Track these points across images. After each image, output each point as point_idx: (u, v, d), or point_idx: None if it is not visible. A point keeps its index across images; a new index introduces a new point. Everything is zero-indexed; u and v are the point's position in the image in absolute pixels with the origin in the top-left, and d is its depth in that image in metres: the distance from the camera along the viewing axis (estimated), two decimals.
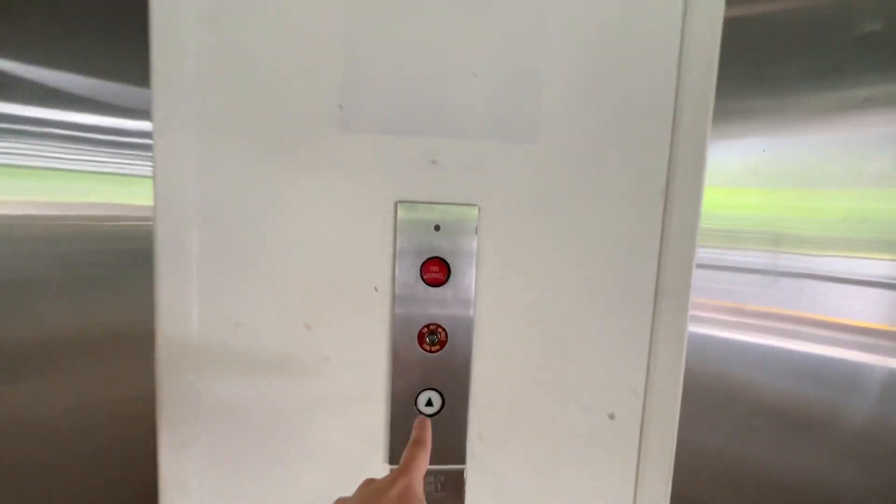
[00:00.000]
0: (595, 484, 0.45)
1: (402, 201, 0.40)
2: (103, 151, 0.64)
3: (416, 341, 0.41)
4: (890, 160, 0.71)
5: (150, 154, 0.38)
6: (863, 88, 0.70)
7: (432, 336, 0.41)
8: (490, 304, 0.41)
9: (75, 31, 0.61)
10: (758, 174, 0.75)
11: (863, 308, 0.79)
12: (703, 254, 0.74)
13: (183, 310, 0.39)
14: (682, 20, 0.39)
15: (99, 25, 0.62)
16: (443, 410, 0.42)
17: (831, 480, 0.83)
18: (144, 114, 0.56)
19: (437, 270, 0.40)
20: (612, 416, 0.44)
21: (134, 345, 0.64)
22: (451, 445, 0.43)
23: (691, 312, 0.42)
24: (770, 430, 0.83)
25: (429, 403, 0.42)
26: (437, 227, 0.40)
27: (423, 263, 0.40)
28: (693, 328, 0.73)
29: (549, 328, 0.42)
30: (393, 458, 0.43)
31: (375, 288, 0.40)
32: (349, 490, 0.31)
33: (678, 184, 0.40)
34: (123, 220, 0.68)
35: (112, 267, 0.68)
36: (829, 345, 0.79)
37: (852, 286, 0.82)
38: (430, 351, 0.41)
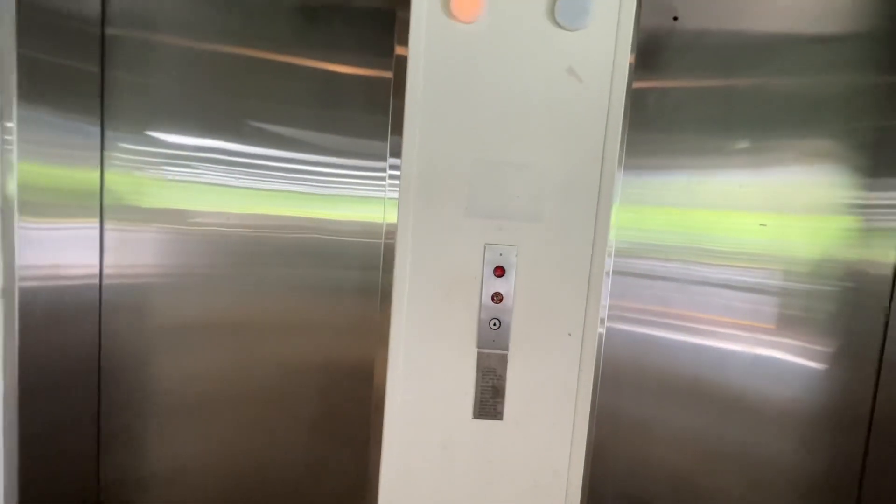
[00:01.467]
0: (563, 372, 1.07)
1: (487, 243, 1.03)
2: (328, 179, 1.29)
3: (491, 300, 1.04)
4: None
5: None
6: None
7: (497, 295, 1.04)
8: (522, 284, 1.04)
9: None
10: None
11: (734, 308, 1.41)
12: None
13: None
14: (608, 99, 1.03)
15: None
16: (500, 328, 1.05)
17: (715, 431, 1.45)
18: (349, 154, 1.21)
19: (500, 270, 1.03)
20: (570, 335, 1.06)
21: (298, 324, 1.27)
22: (503, 343, 1.05)
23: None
24: (670, 397, 1.45)
25: (494, 326, 1.05)
26: (500, 254, 1.03)
27: (495, 267, 1.03)
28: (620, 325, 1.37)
29: (543, 296, 1.05)
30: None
31: (474, 277, 1.03)
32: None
33: (601, 222, 1.03)
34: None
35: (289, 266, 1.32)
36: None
37: (735, 291, 1.45)
38: (496, 303, 1.04)
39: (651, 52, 1.36)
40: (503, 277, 1.04)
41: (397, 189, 1.05)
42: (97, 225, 1.46)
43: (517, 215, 1.03)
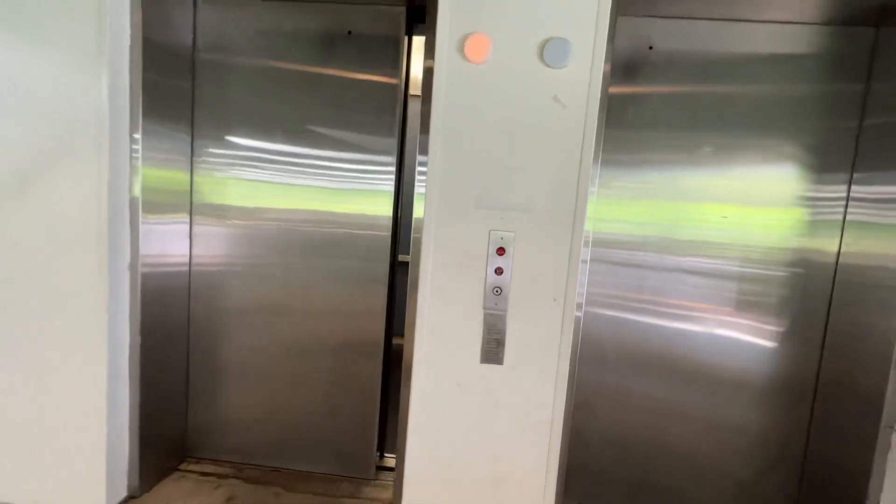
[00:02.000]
0: (549, 328, 1.39)
1: (491, 229, 1.36)
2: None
3: (494, 273, 1.37)
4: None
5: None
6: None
7: (499, 269, 1.37)
8: (518, 260, 1.37)
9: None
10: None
11: (697, 293, 1.70)
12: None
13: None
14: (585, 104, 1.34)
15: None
16: (501, 294, 1.38)
17: (680, 396, 1.74)
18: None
19: (501, 250, 1.36)
20: (555, 300, 1.38)
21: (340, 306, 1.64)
22: (503, 306, 1.38)
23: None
24: (642, 368, 1.74)
25: (497, 292, 1.38)
26: (501, 238, 1.36)
27: (497, 248, 1.36)
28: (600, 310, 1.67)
29: (534, 270, 1.37)
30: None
31: (481, 254, 1.37)
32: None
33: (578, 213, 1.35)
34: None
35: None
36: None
37: (697, 277, 1.73)
38: (498, 275, 1.37)
39: (630, 70, 1.65)
40: (504, 255, 1.37)
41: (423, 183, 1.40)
42: (188, 220, 1.86)
43: (514, 208, 1.36)
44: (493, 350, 1.41)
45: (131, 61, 1.53)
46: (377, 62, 1.77)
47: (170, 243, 1.77)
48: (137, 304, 1.61)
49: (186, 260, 1.86)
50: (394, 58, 1.75)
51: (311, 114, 1.82)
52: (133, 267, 1.59)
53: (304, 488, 1.82)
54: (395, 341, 1.76)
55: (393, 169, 1.79)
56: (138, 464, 1.67)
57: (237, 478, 1.86)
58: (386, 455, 2.01)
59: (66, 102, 1.46)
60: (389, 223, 1.82)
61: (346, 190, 1.84)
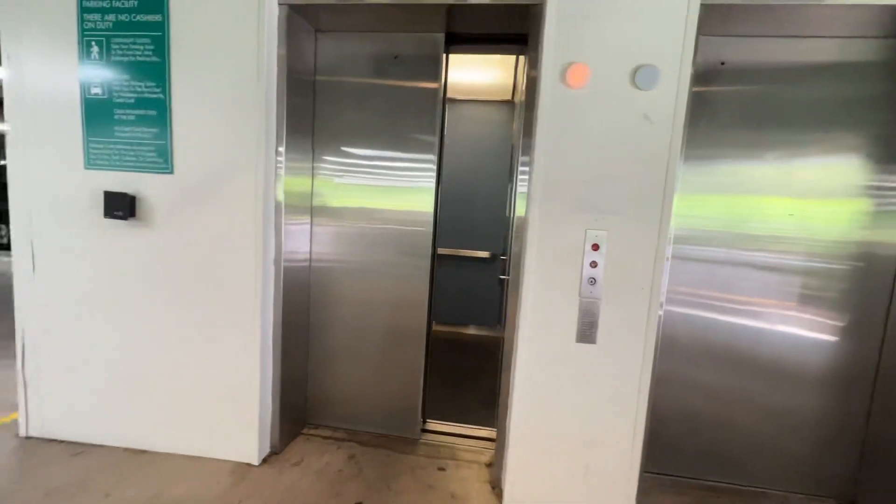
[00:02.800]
0: (637, 313, 1.62)
1: (587, 228, 1.60)
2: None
3: (590, 266, 1.61)
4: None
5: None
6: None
7: (594, 262, 1.61)
8: (610, 255, 1.61)
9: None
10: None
11: (762, 288, 1.89)
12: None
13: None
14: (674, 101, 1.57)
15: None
16: (595, 284, 1.62)
17: (745, 385, 1.93)
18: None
19: (595, 246, 1.60)
20: (642, 289, 1.61)
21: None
22: (597, 293, 1.63)
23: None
24: (709, 360, 1.94)
25: (591, 282, 1.62)
26: (596, 235, 1.60)
27: (592, 244, 1.61)
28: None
29: (624, 263, 1.61)
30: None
31: (579, 250, 1.61)
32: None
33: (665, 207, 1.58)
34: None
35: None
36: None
37: (762, 272, 1.91)
38: (593, 267, 1.61)
39: (703, 81, 1.84)
40: (598, 251, 1.61)
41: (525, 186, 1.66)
42: (309, 221, 2.19)
43: (607, 210, 1.60)
44: (587, 331, 1.66)
45: (278, 88, 1.85)
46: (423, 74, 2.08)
47: (298, 241, 2.10)
48: (280, 292, 1.94)
49: (308, 256, 2.19)
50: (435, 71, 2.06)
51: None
52: (277, 261, 1.92)
53: (410, 450, 2.13)
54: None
55: (434, 166, 2.09)
56: (279, 425, 2.01)
57: (352, 441, 2.19)
58: (428, 420, 2.38)
59: (236, 121, 1.79)
60: (431, 219, 2.13)
61: (397, 188, 2.15)
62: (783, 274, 1.90)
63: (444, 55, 2.06)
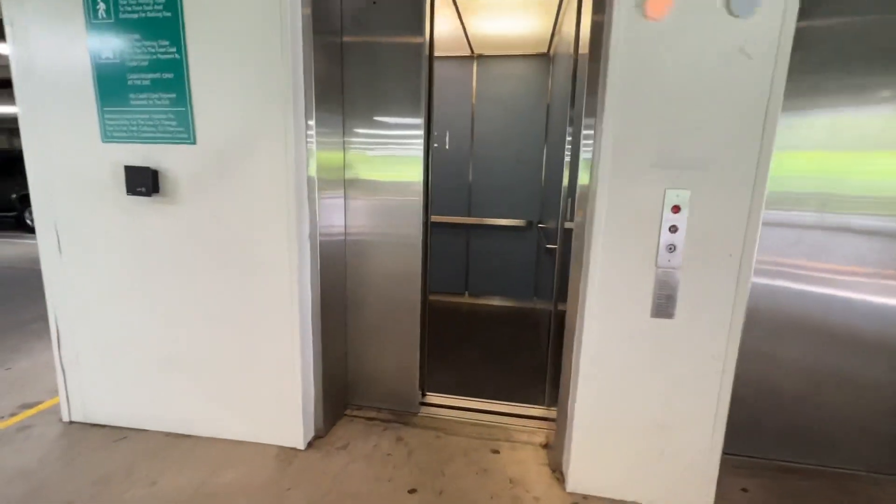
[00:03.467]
0: (723, 283, 1.42)
1: (667, 188, 1.39)
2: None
3: (669, 231, 1.41)
4: None
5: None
6: None
7: (673, 227, 1.40)
8: (693, 217, 1.40)
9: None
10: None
11: (857, 254, 1.65)
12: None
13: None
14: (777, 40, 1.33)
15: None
16: (674, 252, 1.42)
17: (830, 359, 1.71)
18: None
19: (676, 209, 1.39)
20: (731, 255, 1.41)
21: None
22: (676, 262, 1.43)
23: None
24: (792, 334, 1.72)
25: (670, 249, 1.42)
26: (677, 196, 1.39)
27: (672, 206, 1.39)
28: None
29: (709, 226, 1.39)
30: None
31: (656, 213, 1.41)
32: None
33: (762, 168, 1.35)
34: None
35: None
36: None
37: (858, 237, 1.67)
38: (672, 232, 1.41)
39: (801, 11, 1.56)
40: (678, 213, 1.40)
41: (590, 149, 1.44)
42: (343, 195, 2.02)
43: (692, 166, 1.38)
44: (664, 305, 1.47)
45: (304, 54, 1.64)
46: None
47: (332, 215, 1.93)
48: (317, 269, 1.79)
49: (342, 230, 2.03)
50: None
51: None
52: (312, 237, 1.77)
53: (460, 431, 2.02)
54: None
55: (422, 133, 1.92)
56: (322, 408, 1.92)
57: (398, 422, 2.09)
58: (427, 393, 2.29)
59: (261, 84, 1.61)
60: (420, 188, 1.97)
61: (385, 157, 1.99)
62: (886, 239, 1.65)
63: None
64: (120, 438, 1.92)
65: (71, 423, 2.03)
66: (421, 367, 2.17)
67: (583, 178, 1.55)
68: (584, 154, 1.54)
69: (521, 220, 3.83)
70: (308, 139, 1.70)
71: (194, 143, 1.68)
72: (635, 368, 1.53)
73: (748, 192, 1.36)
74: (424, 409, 2.20)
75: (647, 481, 1.61)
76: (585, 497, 1.65)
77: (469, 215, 3.93)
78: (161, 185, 1.73)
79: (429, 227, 2.10)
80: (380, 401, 2.19)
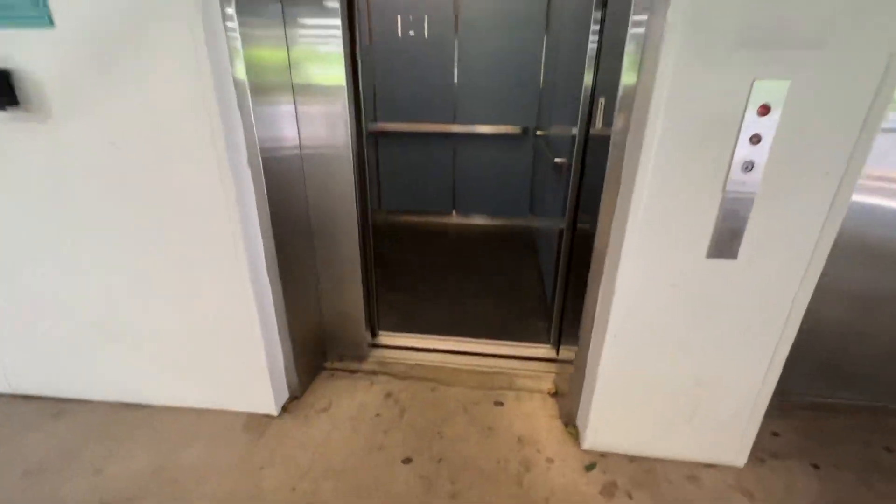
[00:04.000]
0: (809, 212, 1.06)
1: (756, 79, 0.95)
2: None
3: (749, 141, 1.00)
4: None
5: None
6: None
7: (756, 136, 1.00)
8: (786, 122, 0.98)
9: None
10: None
11: None
12: None
13: None
14: None
15: None
16: (752, 171, 1.03)
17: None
18: None
19: (764, 109, 0.97)
20: (827, 174, 1.03)
21: None
22: (752, 185, 1.05)
23: None
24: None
25: (747, 168, 1.03)
26: (768, 90, 0.96)
27: (760, 106, 0.97)
28: None
29: (807, 133, 0.99)
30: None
31: (734, 118, 0.99)
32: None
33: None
34: None
35: None
36: None
37: None
38: (754, 144, 1.01)
39: None
40: (766, 116, 0.98)
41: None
42: (292, 101, 1.50)
43: (795, 43, 0.93)
44: (726, 242, 1.12)
45: None
46: None
47: (281, 128, 1.44)
48: (264, 198, 1.36)
49: (296, 144, 1.56)
50: None
51: None
52: (252, 158, 1.31)
53: (457, 380, 1.78)
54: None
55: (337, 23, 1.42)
56: (294, 365, 1.62)
57: (385, 373, 1.83)
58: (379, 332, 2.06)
59: None
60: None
61: None
62: None
63: None
64: (57, 413, 1.62)
65: None
66: (368, 302, 1.86)
67: (627, 75, 1.09)
68: (632, 42, 1.06)
69: (515, 127, 3.31)
70: (229, 30, 1.15)
71: (51, 24, 1.12)
72: (679, 319, 1.23)
73: (875, 81, 0.94)
74: (375, 353, 1.94)
75: (674, 437, 1.41)
76: (603, 455, 1.46)
77: (454, 122, 3.39)
78: (20, 92, 1.20)
79: (362, 136, 1.64)
80: (341, 347, 1.91)
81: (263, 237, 1.40)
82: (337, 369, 1.86)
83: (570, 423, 1.56)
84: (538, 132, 3.07)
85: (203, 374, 1.57)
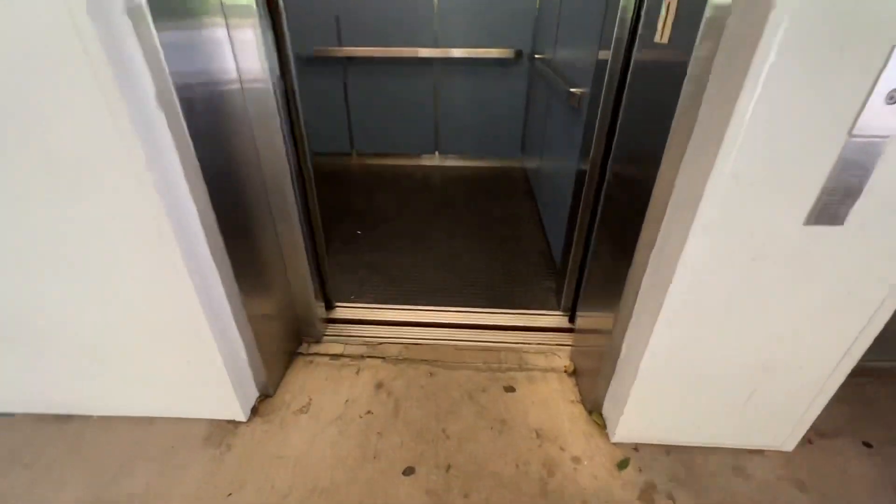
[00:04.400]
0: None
1: None
2: None
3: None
4: None
5: None
6: None
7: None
8: None
9: None
10: None
11: None
12: None
13: None
14: None
15: None
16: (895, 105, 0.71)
17: None
18: None
19: None
20: None
21: None
22: (892, 125, 0.74)
23: None
24: None
25: (891, 100, 0.71)
26: None
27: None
28: None
29: None
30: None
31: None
32: None
33: None
34: None
35: None
36: None
37: None
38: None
39: None
40: None
41: None
42: (224, 22, 1.05)
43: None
44: (834, 204, 0.82)
45: None
46: None
47: (208, 58, 1.01)
48: (191, 152, 0.96)
49: (235, 76, 1.13)
50: None
51: None
52: (166, 101, 0.90)
53: (460, 362, 1.52)
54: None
55: None
56: (259, 356, 1.32)
57: (373, 355, 1.55)
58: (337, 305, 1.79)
59: None
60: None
61: None
62: None
63: None
64: None
65: None
66: (318, 269, 1.56)
67: None
68: None
69: (508, 50, 2.83)
70: None
71: None
72: (754, 299, 0.96)
73: None
74: (332, 329, 1.66)
75: (720, 424, 1.21)
76: (636, 448, 1.26)
77: (436, 45, 2.87)
78: None
79: (288, 63, 1.22)
80: (304, 326, 1.61)
81: (196, 202, 1.02)
82: (315, 354, 1.57)
83: (595, 411, 1.35)
84: (536, 56, 2.61)
85: (147, 377, 1.25)
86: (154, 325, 1.14)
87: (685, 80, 0.83)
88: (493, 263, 2.11)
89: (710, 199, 0.83)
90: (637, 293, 1.08)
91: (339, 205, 2.67)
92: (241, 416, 1.31)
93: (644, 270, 1.04)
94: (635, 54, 1.09)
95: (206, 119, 1.01)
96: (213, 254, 1.10)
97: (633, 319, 1.11)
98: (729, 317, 1.00)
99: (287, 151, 1.26)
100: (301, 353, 1.57)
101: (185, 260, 1.03)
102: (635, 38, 1.10)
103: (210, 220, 1.05)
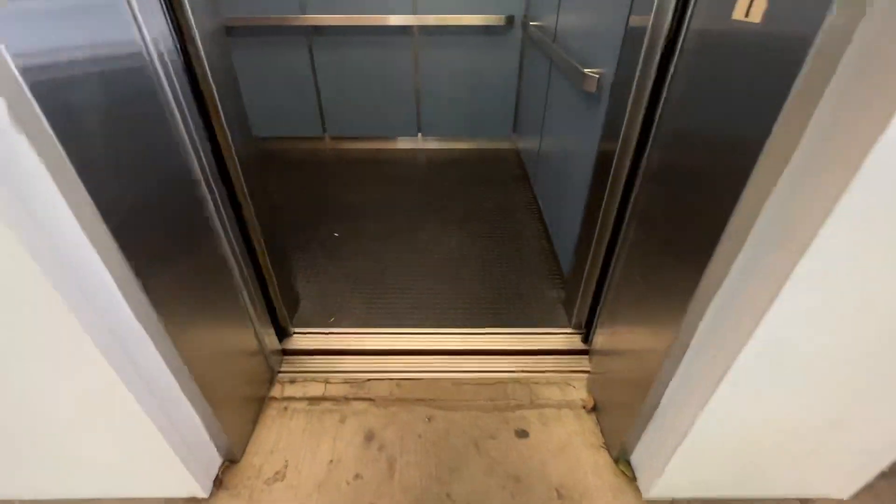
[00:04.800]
0: None
1: None
2: None
3: None
4: None
5: None
6: None
7: None
8: None
9: None
10: None
11: None
12: None
13: None
14: None
15: None
16: None
17: None
18: None
19: None
20: None
21: None
22: None
23: None
24: None
25: None
26: None
27: None
28: None
29: None
30: None
31: None
32: None
33: None
34: None
35: None
36: None
37: None
38: None
39: None
40: None
41: None
42: None
43: None
44: None
45: None
46: None
47: (83, 24, 0.70)
48: (66, 166, 0.68)
49: (141, 48, 0.82)
50: None
51: None
52: (11, 92, 0.60)
53: (457, 400, 1.30)
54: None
55: None
56: (214, 418, 1.06)
57: (359, 397, 1.31)
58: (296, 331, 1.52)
59: None
60: None
61: None
62: None
63: None
64: None
65: None
66: (265, 289, 1.31)
67: None
68: None
69: (497, 17, 2.48)
70: None
71: None
72: (844, 353, 0.75)
73: None
74: (288, 363, 1.42)
75: (770, 477, 1.03)
76: (673, 501, 1.07)
77: (414, 11, 2.50)
78: None
79: (191, 30, 0.92)
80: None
81: (93, 242, 0.73)
82: (288, 398, 1.32)
83: (622, 458, 1.15)
84: (532, 23, 2.28)
85: (83, 459, 0.99)
86: (75, 409, 0.87)
87: (810, 57, 0.56)
88: (490, 269, 1.86)
89: (840, 218, 0.58)
90: (695, 330, 0.84)
91: (312, 200, 2.36)
92: (200, 493, 1.07)
93: (709, 300, 0.80)
94: (692, 23, 0.82)
95: (88, 111, 0.71)
96: (134, 310, 0.82)
97: (684, 367, 0.90)
98: (808, 373, 0.79)
99: (195, 146, 0.96)
100: (274, 398, 1.32)
101: (91, 333, 0.75)
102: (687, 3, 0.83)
103: (116, 260, 0.76)
